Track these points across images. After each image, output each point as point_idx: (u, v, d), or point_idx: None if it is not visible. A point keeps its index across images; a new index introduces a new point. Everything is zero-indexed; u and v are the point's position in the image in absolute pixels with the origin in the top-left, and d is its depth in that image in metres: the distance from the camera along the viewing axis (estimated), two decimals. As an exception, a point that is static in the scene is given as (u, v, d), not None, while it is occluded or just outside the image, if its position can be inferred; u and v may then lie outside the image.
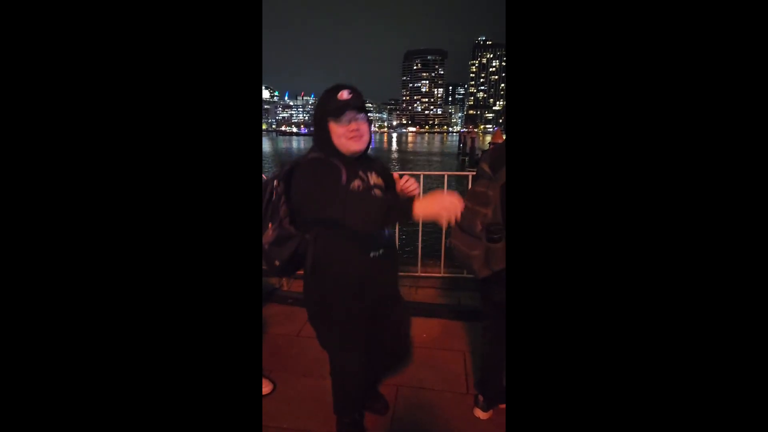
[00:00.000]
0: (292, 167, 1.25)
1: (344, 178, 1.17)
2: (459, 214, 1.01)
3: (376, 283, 1.31)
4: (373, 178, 1.27)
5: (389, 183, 1.34)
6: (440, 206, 1.00)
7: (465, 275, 2.92)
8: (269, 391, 1.85)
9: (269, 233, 1.24)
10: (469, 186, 2.75)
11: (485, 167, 1.51)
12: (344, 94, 1.18)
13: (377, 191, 1.14)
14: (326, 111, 1.20)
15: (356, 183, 1.20)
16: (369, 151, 1.30)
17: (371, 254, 1.25)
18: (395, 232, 1.44)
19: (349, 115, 1.18)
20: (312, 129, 1.31)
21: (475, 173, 1.58)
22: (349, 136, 1.19)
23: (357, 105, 1.19)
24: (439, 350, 2.19)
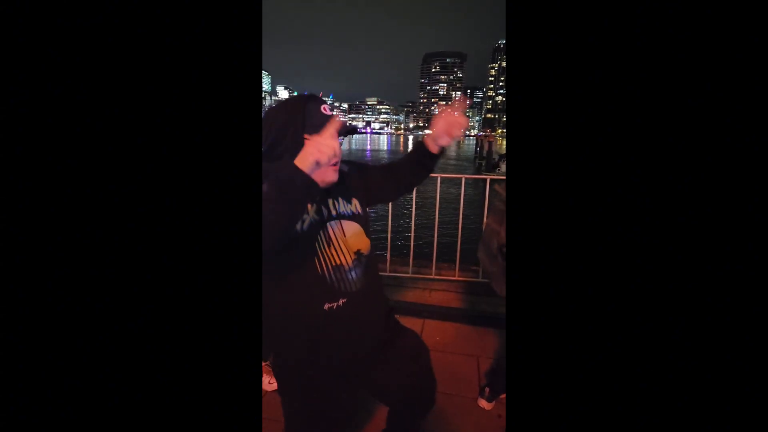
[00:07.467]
0: None
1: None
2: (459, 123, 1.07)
3: (337, 344, 1.00)
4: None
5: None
6: (444, 124, 1.07)
7: (480, 280, 2.90)
8: (276, 388, 1.86)
9: None
10: (487, 191, 2.75)
11: (500, 190, 1.69)
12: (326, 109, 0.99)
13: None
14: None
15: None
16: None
17: (325, 306, 0.96)
18: (372, 270, 1.07)
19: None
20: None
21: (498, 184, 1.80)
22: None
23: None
24: (452, 354, 2.17)
